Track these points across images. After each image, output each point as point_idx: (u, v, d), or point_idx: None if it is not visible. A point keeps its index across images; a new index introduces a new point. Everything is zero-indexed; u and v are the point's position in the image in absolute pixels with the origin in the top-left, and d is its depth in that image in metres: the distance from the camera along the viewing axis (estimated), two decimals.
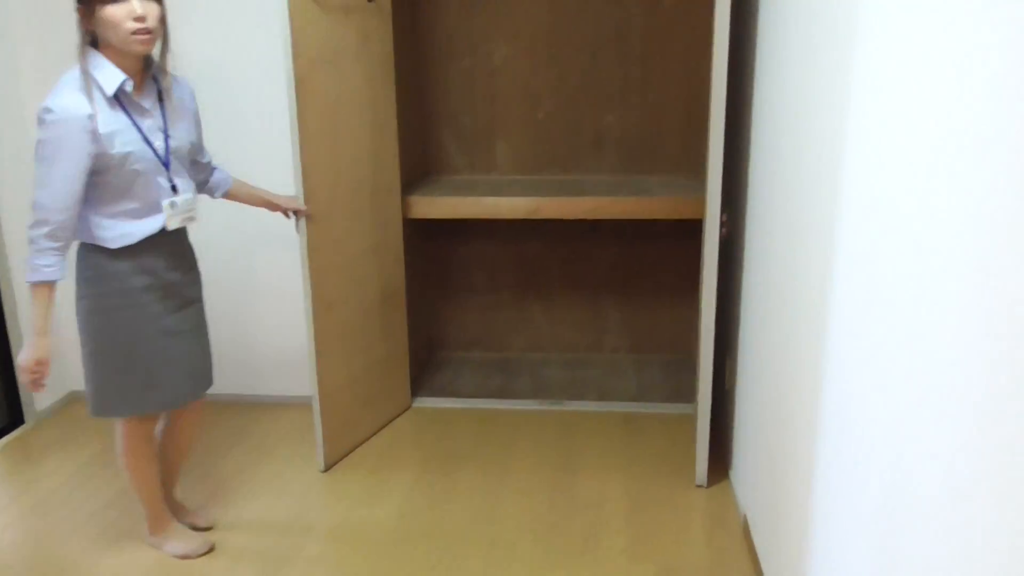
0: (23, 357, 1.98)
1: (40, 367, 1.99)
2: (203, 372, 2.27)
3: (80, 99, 1.88)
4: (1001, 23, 0.86)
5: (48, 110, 1.87)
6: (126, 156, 1.95)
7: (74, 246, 2.04)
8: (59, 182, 1.89)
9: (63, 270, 1.96)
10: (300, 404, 3.16)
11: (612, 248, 3.53)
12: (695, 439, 2.61)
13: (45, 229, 1.91)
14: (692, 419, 3.02)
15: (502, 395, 3.29)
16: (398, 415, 3.13)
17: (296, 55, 2.40)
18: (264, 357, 3.28)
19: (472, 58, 3.34)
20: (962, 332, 0.95)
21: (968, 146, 0.94)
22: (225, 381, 3.33)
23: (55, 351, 2.05)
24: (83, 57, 1.92)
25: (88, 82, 1.90)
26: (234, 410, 3.21)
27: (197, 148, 2.21)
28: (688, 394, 3.22)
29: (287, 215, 2.53)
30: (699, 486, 2.62)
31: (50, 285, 1.94)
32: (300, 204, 2.50)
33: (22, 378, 2.03)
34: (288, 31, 2.37)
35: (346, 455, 2.85)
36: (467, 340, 3.72)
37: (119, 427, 2.20)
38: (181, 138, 2.09)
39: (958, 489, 0.96)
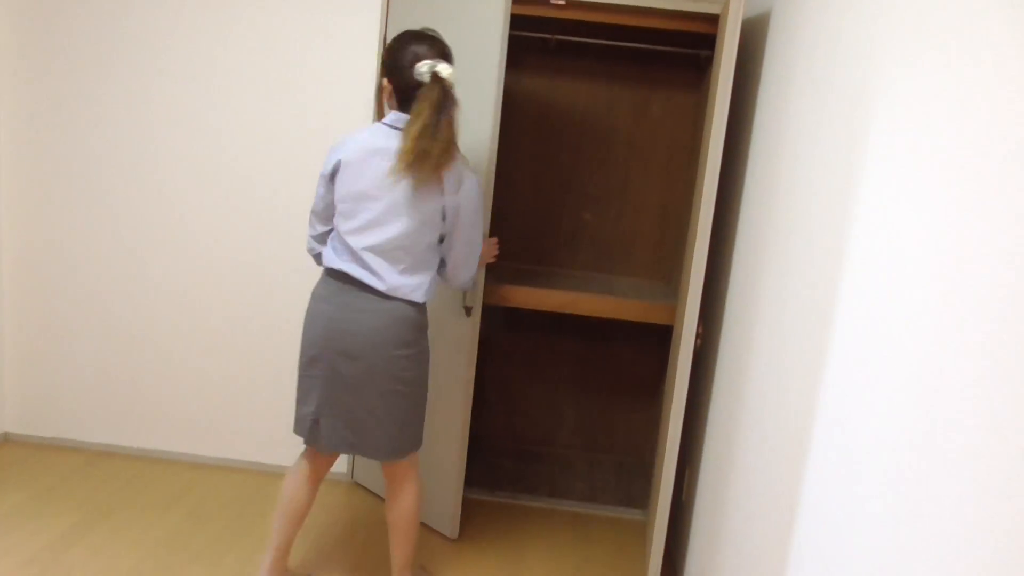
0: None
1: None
2: None
3: None
4: (1005, 176, 0.90)
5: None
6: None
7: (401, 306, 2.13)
8: None
9: None
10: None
11: (574, 344, 3.54)
12: (648, 549, 2.58)
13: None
14: (644, 527, 2.98)
15: None
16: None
17: None
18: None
19: None
20: (954, 481, 0.96)
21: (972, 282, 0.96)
22: None
23: None
24: None
25: None
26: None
27: None
28: (640, 500, 3.19)
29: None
30: None
31: None
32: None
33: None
34: None
35: None
36: None
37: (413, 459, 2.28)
38: None
39: None
